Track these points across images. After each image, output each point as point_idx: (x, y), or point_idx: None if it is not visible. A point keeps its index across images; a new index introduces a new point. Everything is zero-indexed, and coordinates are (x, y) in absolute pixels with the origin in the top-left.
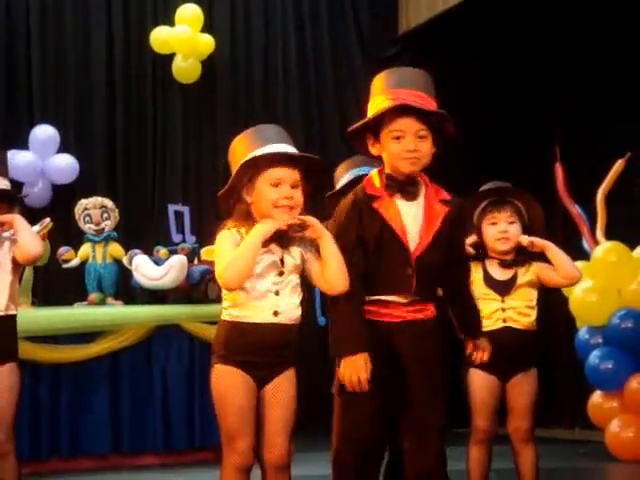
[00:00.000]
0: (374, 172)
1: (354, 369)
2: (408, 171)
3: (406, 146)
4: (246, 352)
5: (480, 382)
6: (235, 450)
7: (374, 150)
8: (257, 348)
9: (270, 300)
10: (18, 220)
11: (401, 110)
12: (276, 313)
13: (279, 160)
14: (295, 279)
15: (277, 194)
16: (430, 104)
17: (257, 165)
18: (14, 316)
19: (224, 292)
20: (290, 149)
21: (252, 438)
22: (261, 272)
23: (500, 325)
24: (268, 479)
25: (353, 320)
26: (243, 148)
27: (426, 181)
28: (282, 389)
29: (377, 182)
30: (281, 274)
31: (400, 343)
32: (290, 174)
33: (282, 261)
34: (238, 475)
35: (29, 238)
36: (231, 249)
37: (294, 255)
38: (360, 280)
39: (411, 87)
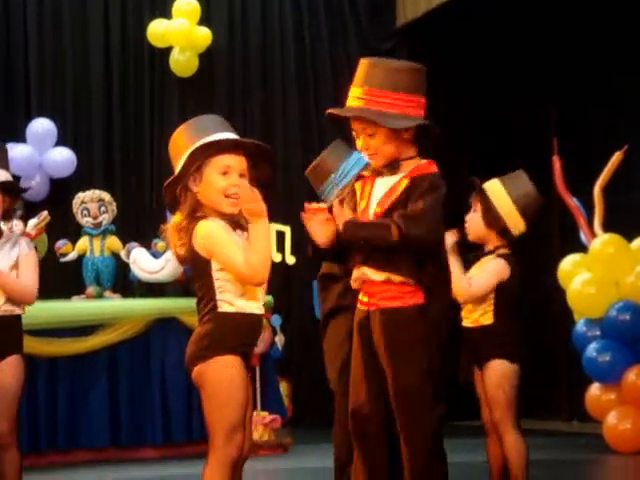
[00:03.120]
0: None
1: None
2: (373, 166)
3: (359, 145)
4: (249, 344)
5: (474, 376)
6: (235, 443)
7: None
8: (255, 339)
9: (260, 291)
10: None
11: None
12: (259, 306)
13: (228, 147)
14: None
15: (226, 182)
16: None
17: (207, 152)
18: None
19: (226, 281)
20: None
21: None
22: None
23: (463, 324)
24: (237, 469)
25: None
26: (186, 139)
27: (418, 162)
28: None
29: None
30: None
31: (374, 331)
32: (238, 162)
33: None
34: (232, 469)
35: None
36: (236, 242)
37: None
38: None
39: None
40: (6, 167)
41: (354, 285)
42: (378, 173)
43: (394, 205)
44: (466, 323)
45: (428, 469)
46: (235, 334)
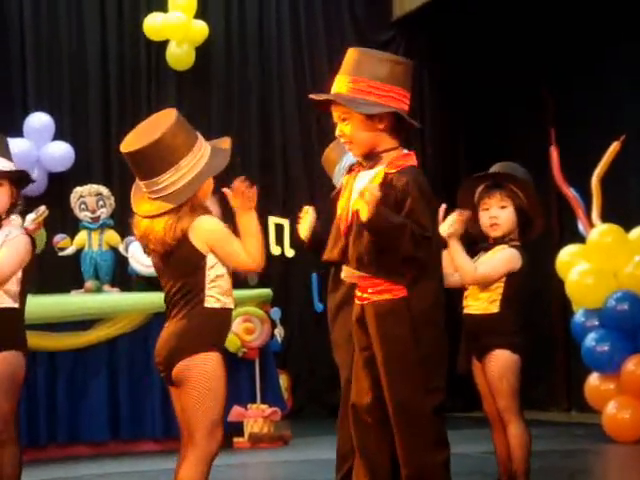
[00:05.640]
0: None
1: None
2: (353, 155)
3: (336, 133)
4: (225, 339)
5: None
6: (217, 439)
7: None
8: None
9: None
10: None
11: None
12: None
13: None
14: None
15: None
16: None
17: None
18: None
19: (216, 278)
20: None
21: None
22: None
23: (464, 312)
24: None
25: None
26: (186, 136)
27: (394, 155)
28: None
29: None
30: None
31: (369, 325)
32: None
33: None
34: (211, 465)
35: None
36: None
37: None
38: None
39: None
40: (9, 158)
41: (347, 280)
42: (362, 166)
43: None
44: (470, 310)
45: (421, 455)
46: (220, 330)
